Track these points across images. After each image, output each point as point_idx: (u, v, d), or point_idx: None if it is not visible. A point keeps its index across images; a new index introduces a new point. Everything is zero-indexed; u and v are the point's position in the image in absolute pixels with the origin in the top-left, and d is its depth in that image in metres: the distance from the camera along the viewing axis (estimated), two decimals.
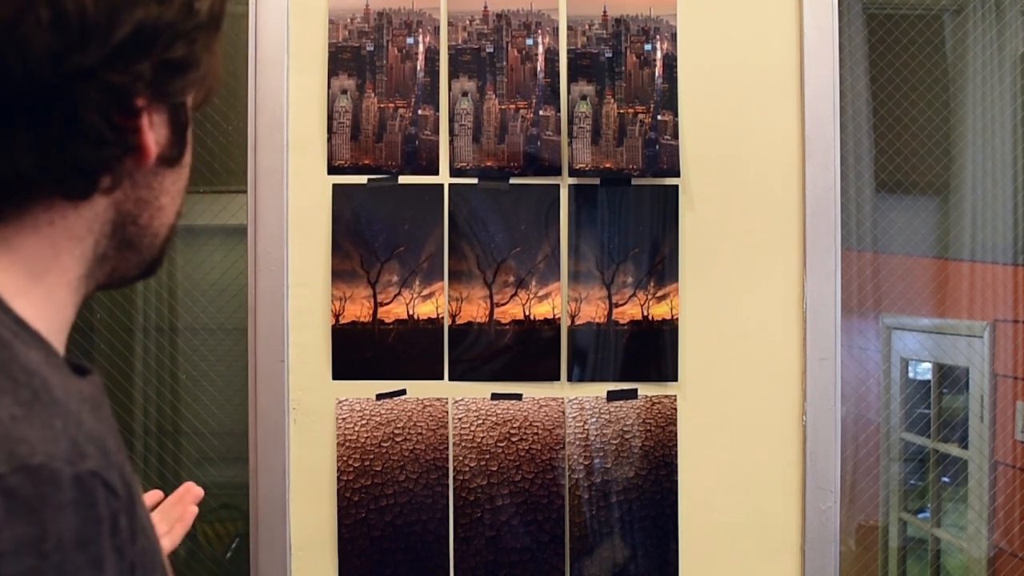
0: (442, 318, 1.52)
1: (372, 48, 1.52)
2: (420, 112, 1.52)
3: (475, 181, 1.52)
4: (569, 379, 1.52)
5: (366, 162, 1.52)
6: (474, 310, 1.52)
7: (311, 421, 1.51)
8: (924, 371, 2.44)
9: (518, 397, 1.52)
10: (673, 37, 1.53)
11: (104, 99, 0.56)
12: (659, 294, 1.53)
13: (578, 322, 1.52)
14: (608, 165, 1.52)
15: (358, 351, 1.51)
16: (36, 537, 0.47)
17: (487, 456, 1.51)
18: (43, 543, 0.48)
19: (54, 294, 0.60)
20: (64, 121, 0.55)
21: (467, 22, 1.52)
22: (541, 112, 1.52)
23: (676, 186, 1.53)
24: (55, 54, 0.53)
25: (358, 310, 1.52)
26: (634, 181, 1.52)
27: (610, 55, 1.52)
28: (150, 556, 0.59)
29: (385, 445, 1.51)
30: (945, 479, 2.35)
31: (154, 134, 0.60)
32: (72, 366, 0.60)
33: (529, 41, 1.52)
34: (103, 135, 0.57)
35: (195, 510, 1.05)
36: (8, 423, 0.49)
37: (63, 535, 0.48)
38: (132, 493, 0.55)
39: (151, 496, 1.04)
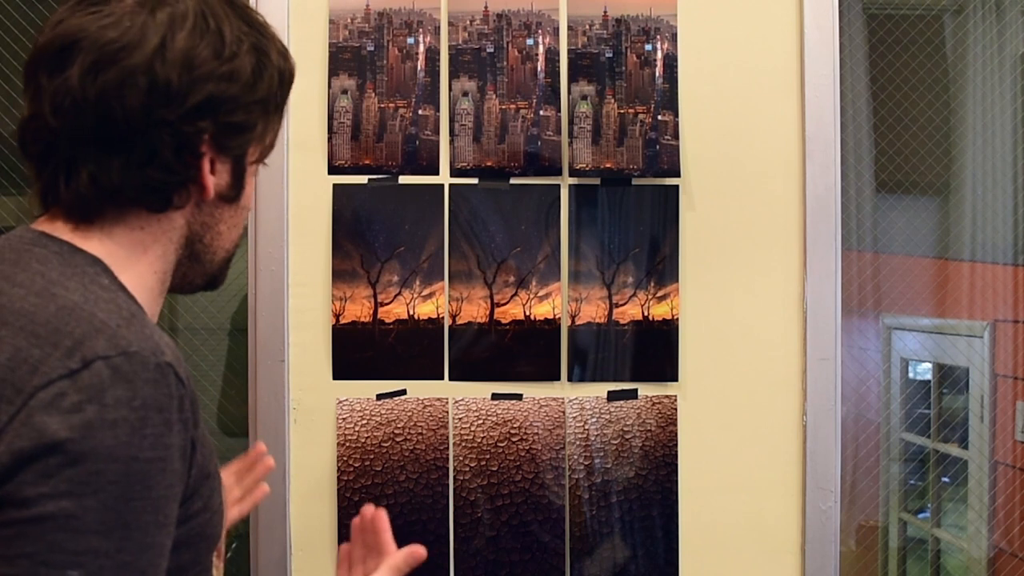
0: (442, 318, 1.52)
1: (372, 48, 1.52)
2: (420, 112, 1.52)
3: (475, 181, 1.52)
4: (569, 379, 1.52)
5: (366, 162, 1.52)
6: (474, 310, 1.52)
7: (311, 421, 1.51)
8: (924, 371, 2.44)
9: (518, 397, 1.52)
10: (673, 37, 1.53)
11: (176, 142, 0.80)
12: (659, 294, 1.53)
13: (578, 322, 1.52)
14: (608, 165, 1.52)
15: (358, 351, 1.51)
16: (129, 397, 0.70)
17: (487, 456, 1.52)
18: (133, 401, 0.70)
19: (144, 277, 0.83)
20: (147, 154, 0.79)
21: (467, 22, 1.52)
22: (541, 112, 1.52)
23: (676, 186, 1.53)
24: (146, 108, 0.77)
25: (358, 310, 1.52)
26: (634, 181, 1.52)
27: (610, 55, 1.52)
28: (209, 452, 0.81)
29: (385, 445, 1.51)
30: (945, 479, 2.35)
31: (216, 176, 0.84)
32: None
33: (529, 41, 1.52)
34: (172, 167, 0.80)
35: (266, 489, 1.16)
36: (116, 328, 0.73)
37: (147, 399, 0.71)
38: (195, 398, 0.77)
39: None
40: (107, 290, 0.78)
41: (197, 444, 0.77)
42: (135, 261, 0.83)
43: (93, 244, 0.81)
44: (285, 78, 0.88)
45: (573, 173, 1.52)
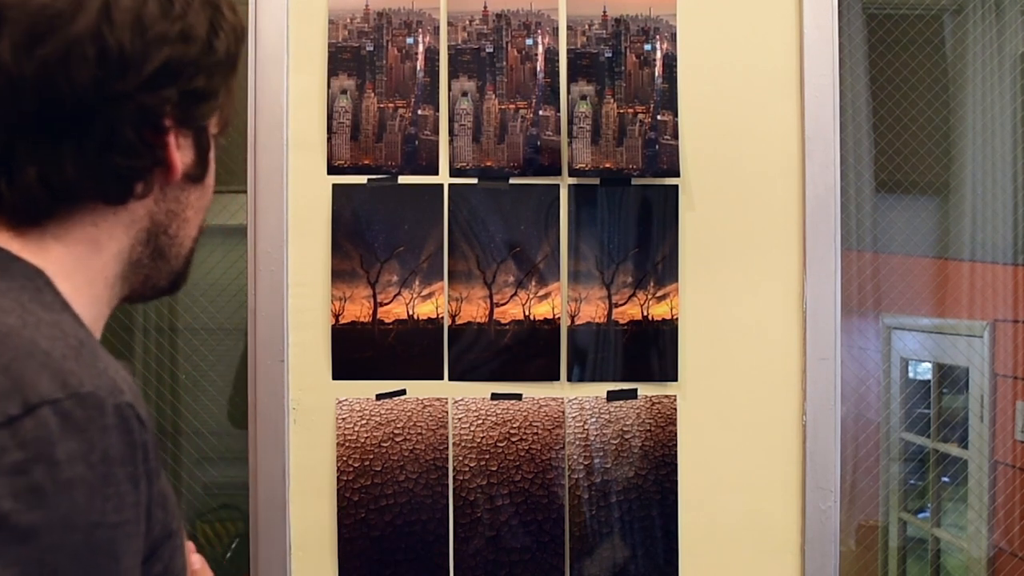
0: (442, 318, 1.52)
1: (372, 48, 1.52)
2: (420, 112, 1.52)
3: (475, 181, 1.52)
4: (569, 379, 1.52)
5: (366, 162, 1.52)
6: (474, 310, 1.52)
7: (311, 421, 1.51)
8: (924, 371, 2.44)
9: (518, 397, 1.52)
10: (673, 37, 1.52)
11: (137, 118, 0.68)
12: (659, 294, 1.53)
13: (578, 322, 1.52)
14: (608, 165, 1.52)
15: (358, 351, 1.51)
16: (85, 451, 0.57)
17: (487, 456, 1.51)
18: (90, 455, 0.58)
19: (93, 284, 0.72)
20: (104, 135, 0.67)
21: (467, 22, 1.52)
22: (541, 112, 1.52)
23: (676, 186, 1.52)
24: (98, 82, 0.66)
25: (358, 310, 1.52)
26: (634, 181, 1.52)
27: (610, 55, 1.52)
28: (171, 506, 0.69)
29: (385, 445, 1.51)
30: (945, 479, 2.35)
31: (180, 154, 0.73)
32: None
33: (529, 41, 1.52)
34: (136, 148, 0.69)
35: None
36: (61, 361, 0.60)
37: (107, 451, 0.59)
38: (155, 443, 0.65)
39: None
40: (50, 309, 0.65)
41: (159, 498, 0.65)
42: (84, 266, 0.71)
43: (33, 250, 0.69)
44: (239, 35, 0.77)
45: (573, 173, 1.52)
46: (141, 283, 0.76)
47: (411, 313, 1.51)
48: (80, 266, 0.70)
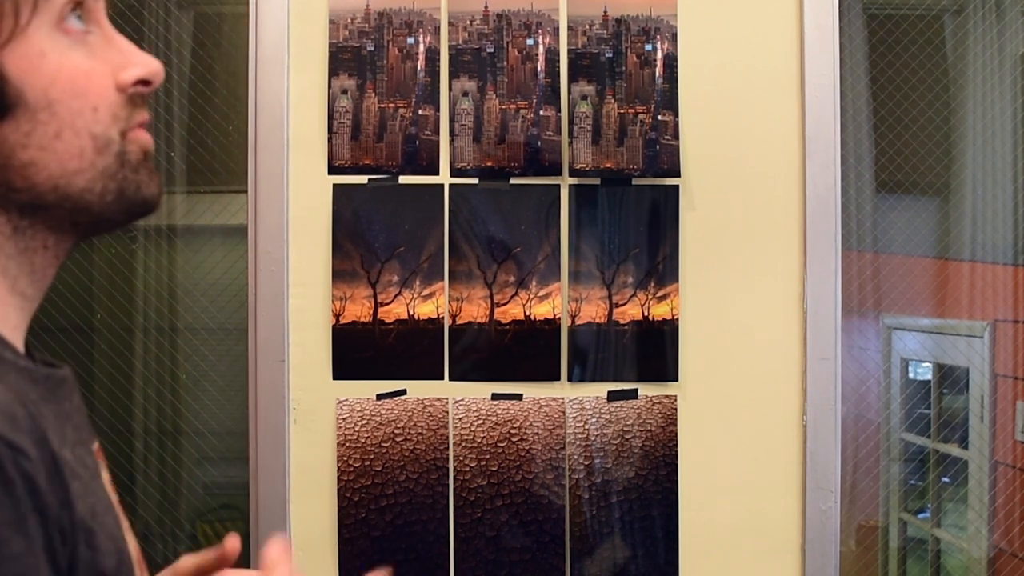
0: (442, 318, 1.52)
1: (372, 48, 1.52)
2: (420, 112, 1.52)
3: (475, 181, 1.52)
4: (569, 379, 1.52)
5: (366, 162, 1.52)
6: (474, 310, 1.52)
7: (311, 421, 1.51)
8: (924, 371, 2.44)
9: (518, 397, 1.51)
10: (673, 37, 1.52)
11: None
12: (659, 294, 1.52)
13: (578, 322, 1.52)
14: (608, 165, 1.52)
15: (358, 351, 1.51)
16: None
17: (487, 456, 1.51)
18: None
19: None
20: None
21: (467, 22, 1.52)
22: (541, 112, 1.52)
23: (676, 186, 1.52)
24: None
25: (358, 310, 1.51)
26: (634, 181, 1.52)
27: (610, 55, 1.52)
28: (107, 537, 0.55)
29: (385, 445, 1.51)
30: (945, 479, 2.35)
31: None
32: (42, 361, 0.59)
33: (529, 41, 1.52)
34: None
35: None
36: None
37: None
38: (59, 467, 0.52)
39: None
40: None
41: (77, 531, 0.52)
42: None
43: None
44: None
45: (573, 173, 1.52)
46: (70, 238, 0.60)
47: (411, 313, 1.51)
48: None
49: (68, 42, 0.57)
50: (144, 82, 0.61)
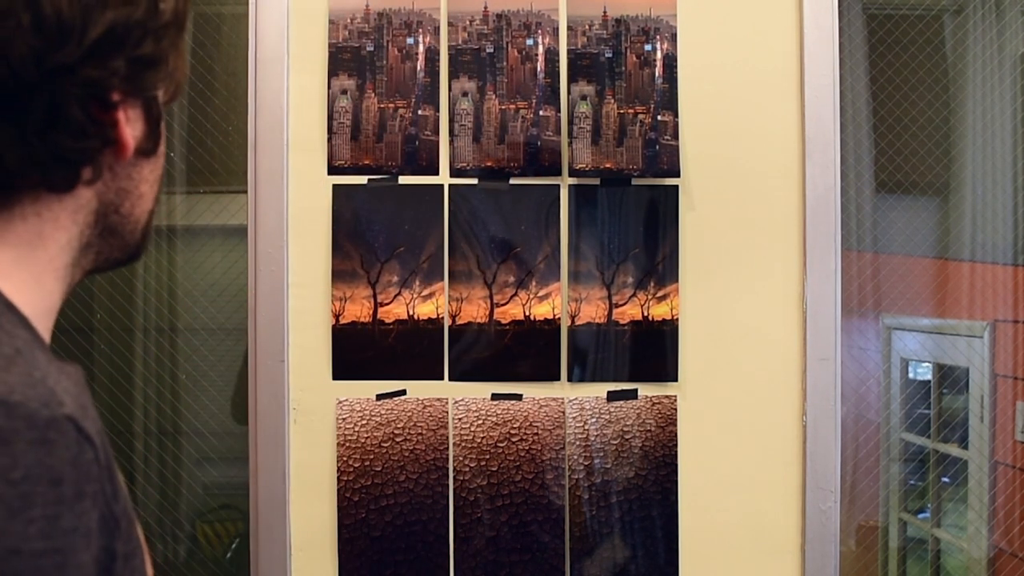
0: (442, 318, 1.52)
1: (372, 48, 1.52)
2: (420, 112, 1.52)
3: (475, 181, 1.52)
4: (569, 379, 1.52)
5: (366, 162, 1.52)
6: (474, 310, 1.52)
7: (311, 421, 1.51)
8: (924, 371, 2.44)
9: (518, 397, 1.52)
10: (673, 37, 1.53)
11: (83, 93, 0.60)
12: (659, 294, 1.53)
13: (578, 322, 1.52)
14: (608, 165, 1.52)
15: (358, 351, 1.51)
16: (6, 466, 0.51)
17: (487, 456, 1.51)
18: (11, 472, 0.51)
19: (41, 280, 0.64)
20: (46, 115, 0.59)
21: (467, 22, 1.52)
22: (541, 112, 1.52)
23: (676, 186, 1.52)
24: (36, 54, 0.57)
25: (358, 310, 1.52)
26: (634, 181, 1.52)
27: (610, 55, 1.52)
28: (136, 542, 0.60)
29: (385, 445, 1.51)
30: (945, 479, 2.35)
31: (130, 127, 0.65)
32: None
33: (529, 41, 1.52)
34: (83, 128, 0.61)
35: None
36: None
37: (33, 469, 0.51)
38: (109, 456, 0.58)
39: None
40: None
41: (121, 531, 0.57)
42: (30, 261, 0.64)
43: None
44: None
45: (573, 173, 1.52)
46: (92, 262, 0.69)
47: (411, 313, 1.51)
48: (23, 263, 0.63)
49: None
50: None
